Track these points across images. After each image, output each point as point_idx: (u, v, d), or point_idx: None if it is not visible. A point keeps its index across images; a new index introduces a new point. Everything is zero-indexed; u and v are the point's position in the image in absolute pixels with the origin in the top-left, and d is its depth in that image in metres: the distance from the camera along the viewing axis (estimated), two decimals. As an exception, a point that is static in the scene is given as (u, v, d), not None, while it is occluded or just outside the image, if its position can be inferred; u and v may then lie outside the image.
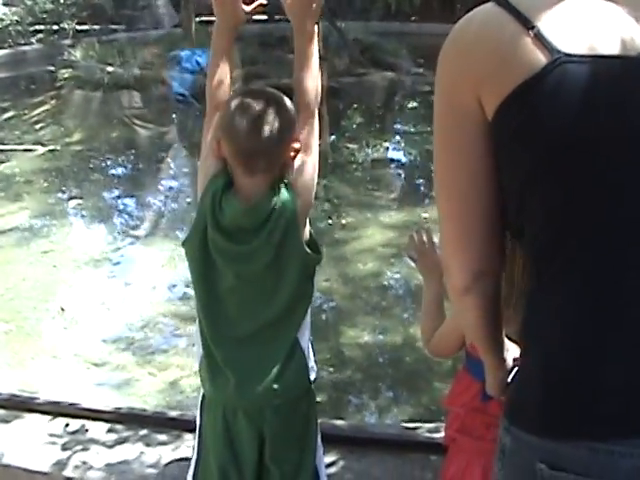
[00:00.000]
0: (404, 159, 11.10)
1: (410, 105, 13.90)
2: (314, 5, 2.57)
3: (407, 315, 6.08)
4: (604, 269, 1.43)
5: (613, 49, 1.40)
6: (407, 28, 17.03)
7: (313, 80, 2.59)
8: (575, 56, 1.39)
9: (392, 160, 10.75)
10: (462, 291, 1.58)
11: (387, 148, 11.30)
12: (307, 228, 2.60)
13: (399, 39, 15.27)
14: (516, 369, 1.66)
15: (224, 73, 2.64)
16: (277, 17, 19.48)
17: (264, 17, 18.77)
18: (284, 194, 2.50)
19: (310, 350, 2.68)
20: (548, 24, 1.41)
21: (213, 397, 2.65)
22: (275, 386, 2.55)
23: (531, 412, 1.49)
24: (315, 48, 2.60)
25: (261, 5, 2.71)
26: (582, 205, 1.42)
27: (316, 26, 2.61)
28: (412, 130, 12.52)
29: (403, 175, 10.23)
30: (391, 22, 16.59)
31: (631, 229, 1.42)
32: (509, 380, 1.68)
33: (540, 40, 1.40)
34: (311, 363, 2.68)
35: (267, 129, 2.44)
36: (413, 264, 2.77)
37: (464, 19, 1.54)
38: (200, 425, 2.70)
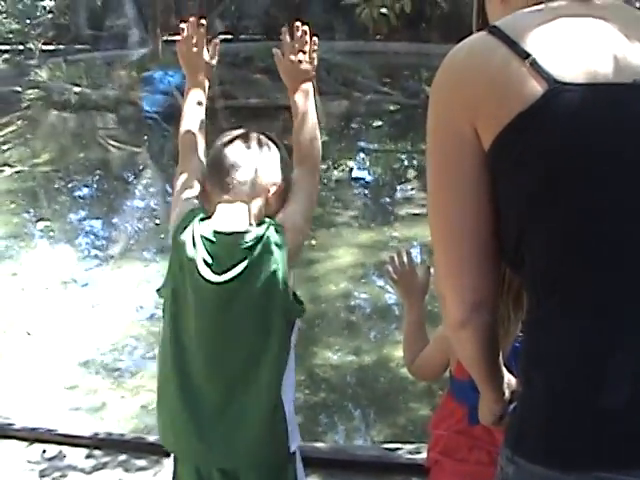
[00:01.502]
0: (370, 178, 11.14)
1: (375, 124, 13.96)
2: (306, 66, 2.58)
3: (380, 335, 6.10)
4: (607, 299, 1.42)
5: (608, 76, 1.40)
6: (372, 47, 17.13)
7: (311, 138, 2.56)
8: (572, 85, 1.38)
9: (359, 179, 10.78)
10: (459, 324, 1.53)
11: (353, 167, 11.34)
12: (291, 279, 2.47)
13: (365, 58, 15.37)
14: (515, 403, 1.63)
15: (194, 129, 2.64)
16: (243, 37, 19.63)
17: (230, 37, 18.88)
18: (272, 232, 2.39)
19: (293, 416, 2.49)
20: (543, 52, 1.41)
21: (178, 454, 2.51)
22: (245, 452, 2.42)
23: (535, 443, 1.47)
24: (311, 106, 2.58)
25: (216, 45, 2.74)
26: (584, 234, 1.42)
27: (311, 84, 2.62)
28: (377, 148, 12.59)
29: (370, 194, 10.26)
30: (357, 41, 16.68)
31: (633, 258, 1.42)
32: (508, 412, 1.66)
33: (536, 69, 1.39)
34: (293, 429, 2.49)
35: (248, 148, 2.44)
36: (393, 285, 2.76)
37: (457, 48, 1.52)
38: (174, 471, 2.56)
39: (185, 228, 2.41)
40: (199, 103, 2.69)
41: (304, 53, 2.58)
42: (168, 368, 2.46)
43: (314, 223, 8.30)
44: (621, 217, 1.41)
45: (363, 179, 10.93)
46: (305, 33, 2.59)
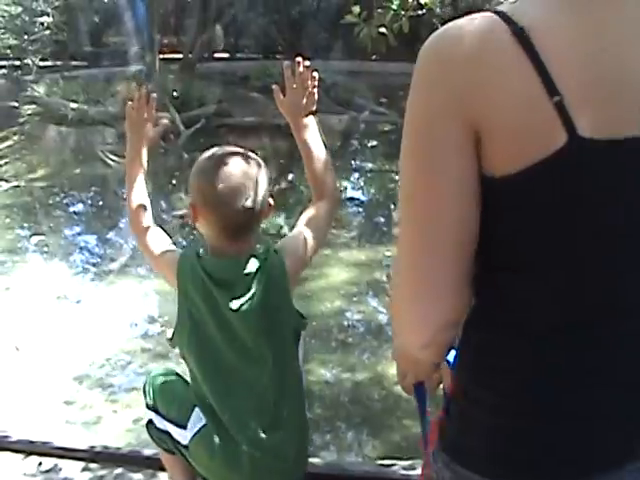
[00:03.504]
0: (365, 197, 11.17)
1: (371, 144, 14.00)
2: (305, 100, 2.61)
3: (374, 353, 6.11)
4: (560, 322, 1.39)
5: (636, 126, 1.29)
6: (370, 67, 17.19)
7: (325, 172, 2.61)
8: (595, 141, 1.26)
9: (354, 199, 10.81)
10: (419, 348, 1.40)
11: (348, 186, 11.37)
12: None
13: (362, 78, 15.43)
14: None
15: (141, 198, 2.73)
16: (240, 55, 19.70)
17: (227, 55, 18.95)
18: (273, 255, 2.51)
19: None
20: (571, 90, 1.26)
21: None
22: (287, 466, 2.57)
23: (476, 453, 1.47)
24: (318, 139, 2.63)
25: (165, 125, 2.78)
26: (578, 297, 1.37)
27: (313, 117, 2.64)
28: (372, 168, 12.63)
29: (364, 213, 10.29)
30: (354, 61, 16.74)
31: (595, 297, 1.38)
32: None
33: (561, 113, 1.25)
34: None
35: (251, 201, 2.44)
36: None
37: (457, 29, 1.33)
38: None
39: (186, 272, 2.51)
40: (140, 170, 2.77)
41: (305, 89, 2.60)
42: (206, 391, 2.55)
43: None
44: (598, 264, 1.36)
45: (358, 199, 10.96)
46: (307, 69, 2.61)
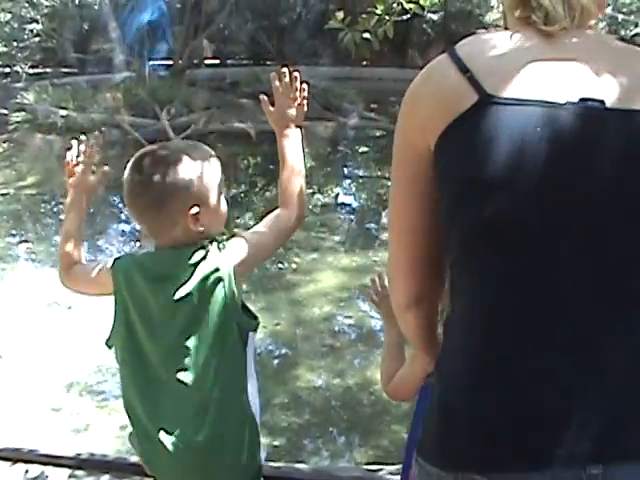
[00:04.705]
0: (355, 203, 11.19)
1: (361, 150, 14.02)
2: (294, 112, 2.61)
3: (363, 358, 6.12)
4: (496, 314, 1.48)
5: (544, 95, 1.42)
6: (359, 73, 17.22)
7: (294, 185, 2.55)
8: (503, 98, 1.42)
9: (343, 204, 10.83)
10: (403, 308, 1.76)
11: (339, 192, 11.40)
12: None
13: (351, 84, 15.44)
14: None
15: (76, 248, 2.70)
16: (229, 62, 19.72)
17: (216, 61, 18.97)
18: (214, 249, 2.41)
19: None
20: (484, 68, 1.46)
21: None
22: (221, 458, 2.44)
23: (430, 444, 1.56)
24: (297, 152, 2.59)
25: (104, 173, 2.80)
26: (479, 245, 1.47)
27: (298, 130, 2.63)
28: (363, 174, 12.65)
29: (354, 219, 10.30)
30: (343, 67, 16.77)
31: (523, 270, 1.45)
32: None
33: (472, 83, 1.44)
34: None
35: (149, 194, 2.38)
36: (374, 307, 2.79)
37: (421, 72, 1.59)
38: None
39: (120, 270, 2.46)
40: (80, 224, 2.76)
41: (293, 99, 2.59)
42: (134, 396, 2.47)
43: (298, 246, 8.38)
44: (523, 228, 1.44)
45: (349, 204, 10.98)
46: (295, 79, 2.60)
